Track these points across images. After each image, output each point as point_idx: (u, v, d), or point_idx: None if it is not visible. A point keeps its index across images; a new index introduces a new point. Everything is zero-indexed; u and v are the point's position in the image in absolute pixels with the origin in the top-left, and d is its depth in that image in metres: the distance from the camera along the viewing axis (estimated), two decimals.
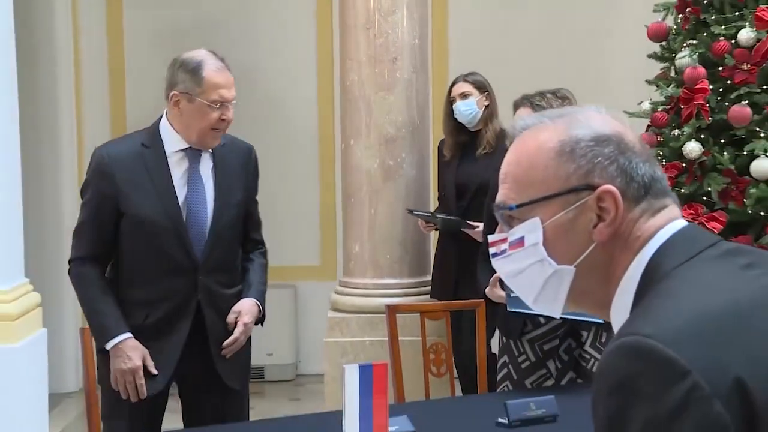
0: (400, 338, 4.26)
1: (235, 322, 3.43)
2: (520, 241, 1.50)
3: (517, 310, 3.63)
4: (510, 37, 7.20)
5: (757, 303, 1.35)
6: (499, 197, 1.55)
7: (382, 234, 5.68)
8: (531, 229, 1.49)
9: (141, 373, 3.25)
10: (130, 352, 3.25)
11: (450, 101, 5.24)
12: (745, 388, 1.25)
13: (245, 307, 3.47)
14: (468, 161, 5.28)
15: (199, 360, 3.38)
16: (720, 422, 1.23)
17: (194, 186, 3.36)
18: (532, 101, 4.04)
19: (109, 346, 3.26)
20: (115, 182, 3.28)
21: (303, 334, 7.26)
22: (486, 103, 5.18)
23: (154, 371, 3.28)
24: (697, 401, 1.24)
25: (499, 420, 3.26)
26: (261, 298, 3.55)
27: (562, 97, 4.21)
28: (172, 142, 3.34)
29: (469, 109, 5.15)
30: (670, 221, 1.47)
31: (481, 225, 5.07)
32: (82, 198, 3.42)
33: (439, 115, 7.10)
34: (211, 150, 3.41)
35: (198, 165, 3.38)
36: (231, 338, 3.42)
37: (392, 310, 4.30)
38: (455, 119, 5.24)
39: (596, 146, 1.48)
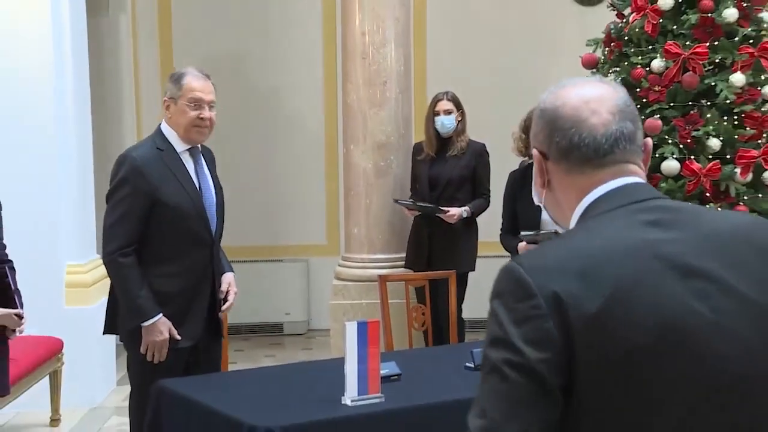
0: (389, 301, 4.27)
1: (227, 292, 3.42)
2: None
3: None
4: (475, 65, 7.19)
5: (618, 251, 1.29)
6: None
7: (375, 219, 5.69)
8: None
9: (167, 343, 3.23)
10: (162, 328, 3.21)
11: (434, 114, 5.20)
12: (565, 310, 1.24)
13: (232, 279, 3.45)
14: (440, 161, 5.22)
15: (209, 315, 3.36)
16: (550, 333, 1.24)
17: (203, 178, 3.33)
18: None
19: (147, 324, 3.21)
20: (149, 179, 3.21)
21: (313, 298, 7.26)
22: (459, 119, 5.18)
23: (178, 337, 3.24)
24: (535, 316, 1.25)
25: (467, 364, 3.27)
26: (232, 269, 3.50)
27: None
28: (178, 143, 3.29)
29: (450, 123, 5.14)
30: (614, 177, 1.39)
31: (452, 210, 5.06)
32: (111, 197, 3.26)
33: (420, 126, 7.12)
34: (200, 151, 3.38)
35: (200, 161, 3.35)
36: (229, 303, 3.41)
37: (383, 279, 4.31)
38: (435, 128, 5.21)
39: (539, 119, 1.46)
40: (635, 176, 1.40)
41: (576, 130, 1.41)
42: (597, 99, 1.44)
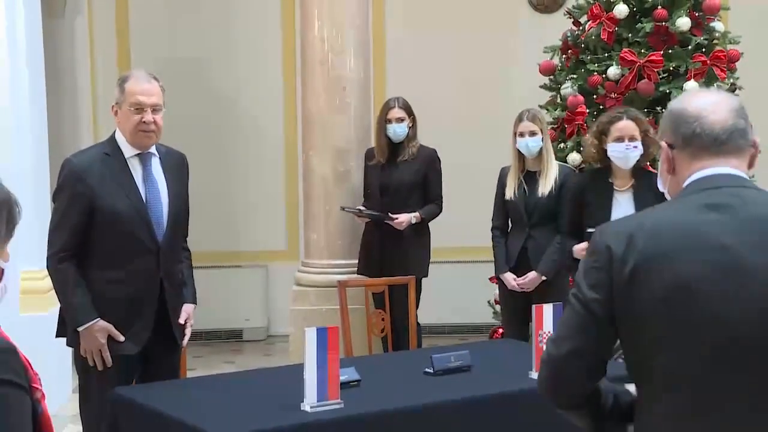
0: (348, 307, 4.26)
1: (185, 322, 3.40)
2: None
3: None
4: (434, 71, 7.21)
5: (663, 226, 1.67)
6: None
7: (334, 225, 5.67)
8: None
9: (106, 347, 3.19)
10: (98, 333, 3.17)
11: (386, 121, 5.07)
12: (612, 264, 1.67)
13: (191, 312, 3.41)
14: (390, 167, 5.12)
15: (161, 325, 3.33)
16: (601, 281, 1.68)
17: (151, 184, 3.27)
18: None
19: (81, 328, 3.17)
20: (88, 184, 3.16)
21: (273, 304, 7.22)
22: (410, 125, 5.10)
23: (121, 338, 3.19)
24: (594, 268, 1.70)
25: (426, 370, 3.27)
26: (196, 300, 3.48)
27: None
28: (127, 148, 3.25)
29: (402, 131, 5.04)
30: (713, 166, 1.71)
31: (400, 216, 4.95)
32: (54, 201, 3.26)
33: None
34: (157, 155, 3.31)
35: (150, 167, 3.29)
36: (186, 337, 3.40)
37: (342, 285, 4.30)
38: (386, 135, 5.09)
39: (667, 118, 1.80)
40: (730, 167, 1.72)
41: (698, 124, 1.73)
42: (716, 102, 1.76)
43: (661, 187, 1.84)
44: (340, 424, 2.77)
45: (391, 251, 5.06)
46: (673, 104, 1.80)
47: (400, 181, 5.06)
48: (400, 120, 5.04)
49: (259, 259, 7.25)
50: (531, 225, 4.45)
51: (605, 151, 3.98)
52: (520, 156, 4.46)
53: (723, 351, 1.60)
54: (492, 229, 4.64)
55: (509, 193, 4.50)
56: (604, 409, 1.78)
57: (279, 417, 2.76)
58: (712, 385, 1.61)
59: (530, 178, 4.47)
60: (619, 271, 1.66)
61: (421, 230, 5.12)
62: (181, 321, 3.37)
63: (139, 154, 3.26)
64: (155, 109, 3.21)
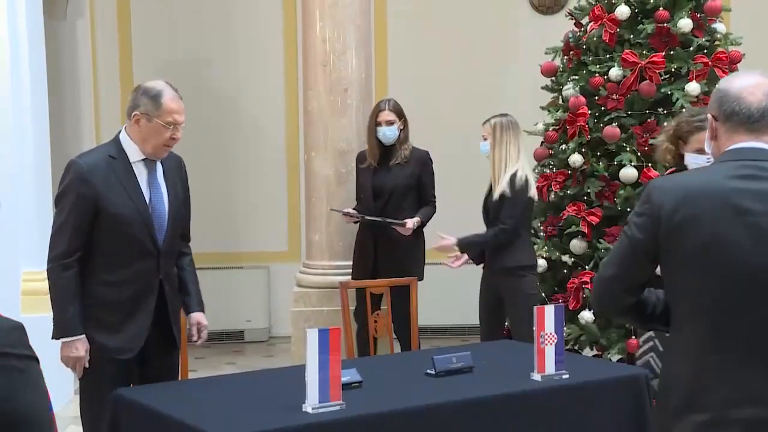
0: (350, 308, 4.26)
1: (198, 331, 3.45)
2: None
3: None
4: (436, 72, 7.22)
5: (705, 189, 2.08)
6: None
7: (336, 226, 5.67)
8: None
9: (83, 361, 3.20)
10: (78, 345, 3.19)
11: (376, 124, 5.03)
12: (660, 215, 2.09)
13: (201, 319, 3.46)
14: (383, 170, 5.07)
15: (160, 327, 3.33)
16: (647, 225, 2.12)
17: (155, 188, 3.29)
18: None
19: (65, 339, 3.19)
20: (93, 186, 3.17)
21: (274, 305, 7.22)
22: (401, 127, 5.05)
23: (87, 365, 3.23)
24: (644, 213, 2.13)
25: (428, 371, 3.27)
26: (203, 306, 3.51)
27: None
28: (134, 152, 3.25)
29: (392, 134, 5.01)
30: (749, 141, 2.09)
31: (408, 222, 4.91)
32: (57, 204, 3.25)
33: None
34: (158, 161, 3.33)
35: (155, 172, 3.30)
36: (201, 341, 3.44)
37: (344, 286, 4.30)
38: (377, 137, 5.05)
39: (715, 95, 2.16)
40: (762, 142, 2.10)
41: (737, 103, 2.10)
42: (755, 84, 2.11)
43: (706, 148, 2.26)
44: (341, 426, 2.77)
45: (385, 255, 5.02)
46: (721, 83, 2.19)
47: (393, 185, 5.01)
48: (390, 123, 5.00)
49: (261, 260, 7.25)
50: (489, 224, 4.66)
51: (682, 156, 3.80)
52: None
53: (742, 289, 2.03)
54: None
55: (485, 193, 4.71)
56: (648, 315, 2.24)
57: (280, 418, 2.76)
58: (731, 317, 2.04)
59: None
60: (667, 222, 2.08)
61: (416, 233, 5.07)
62: (194, 335, 3.43)
63: (144, 159, 3.27)
64: (183, 126, 3.27)
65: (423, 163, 5.08)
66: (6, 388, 1.41)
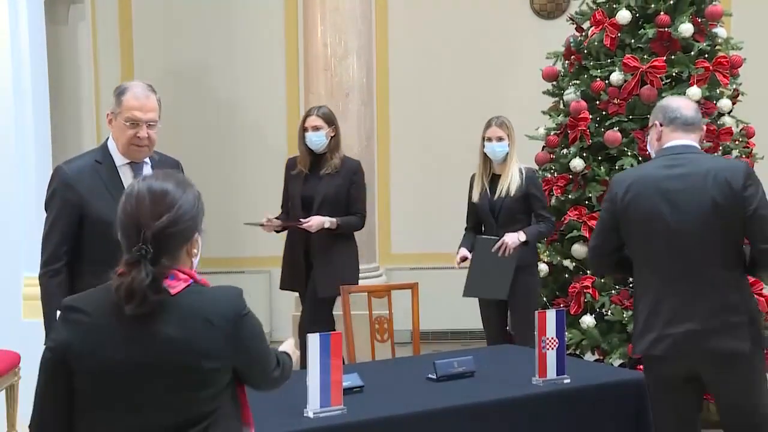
0: (351, 312, 4.26)
1: None
2: None
3: None
4: (437, 77, 7.22)
5: (642, 177, 3.10)
6: None
7: None
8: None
9: None
10: None
11: (304, 129, 4.76)
12: (617, 198, 3.10)
13: None
14: (313, 179, 4.77)
15: None
16: (612, 205, 3.10)
17: None
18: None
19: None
20: (78, 192, 3.15)
21: (275, 310, 7.21)
22: (332, 134, 4.75)
23: None
24: (609, 199, 3.15)
25: (429, 376, 3.28)
26: None
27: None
28: (119, 156, 3.23)
29: (319, 140, 4.71)
30: (679, 139, 3.08)
31: (312, 219, 4.63)
32: (46, 210, 3.22)
33: (383, 137, 7.13)
34: (149, 163, 3.29)
35: (141, 173, 3.23)
36: None
37: (345, 291, 4.29)
38: (306, 144, 4.77)
39: (658, 111, 3.16)
40: (689, 140, 3.09)
41: (678, 112, 3.10)
42: (687, 103, 3.19)
43: (650, 149, 3.20)
44: (342, 430, 2.77)
45: (318, 264, 4.75)
46: (662, 102, 3.23)
47: (323, 195, 4.71)
48: (316, 128, 4.71)
49: (262, 264, 7.24)
50: (499, 225, 4.62)
51: None
52: (487, 160, 4.67)
53: (668, 247, 2.98)
54: (464, 230, 4.84)
55: (475, 196, 4.69)
56: (630, 267, 3.14)
57: (282, 423, 2.76)
58: (664, 263, 2.99)
59: (495, 181, 4.67)
60: (620, 203, 3.06)
61: (346, 240, 4.78)
62: None
63: (129, 162, 3.24)
64: (150, 124, 3.19)
65: (353, 173, 4.79)
66: (241, 339, 1.95)
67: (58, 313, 2.03)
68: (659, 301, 2.98)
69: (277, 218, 4.85)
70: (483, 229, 4.75)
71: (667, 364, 3.01)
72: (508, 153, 4.62)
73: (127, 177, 3.23)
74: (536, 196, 4.64)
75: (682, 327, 2.93)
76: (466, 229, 4.84)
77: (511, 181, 4.59)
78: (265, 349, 2.07)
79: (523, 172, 4.64)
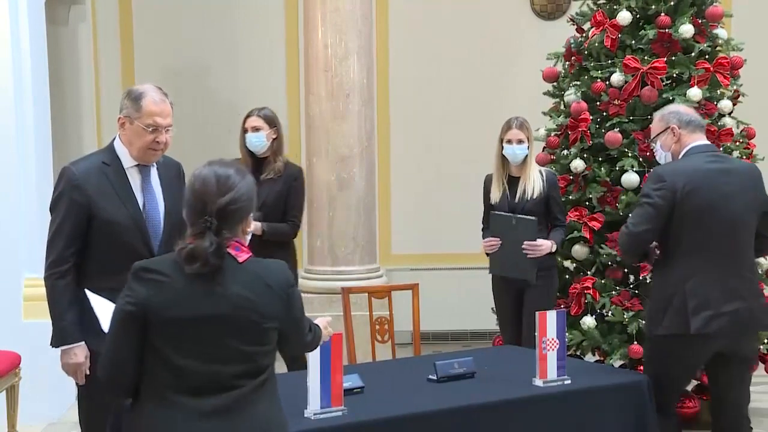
0: (352, 313, 4.26)
1: None
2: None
3: None
4: (437, 77, 7.22)
5: (696, 170, 3.45)
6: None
7: (338, 232, 5.68)
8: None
9: (83, 367, 3.18)
10: (78, 351, 3.16)
11: (244, 130, 4.60)
12: (675, 189, 3.41)
13: None
14: (255, 183, 4.60)
15: None
16: (667, 195, 3.42)
17: (149, 194, 3.24)
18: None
19: (63, 347, 3.17)
20: (86, 193, 3.14)
21: None
22: (274, 137, 4.56)
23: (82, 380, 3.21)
24: (663, 188, 3.44)
25: (429, 377, 3.28)
26: None
27: None
28: (126, 158, 3.22)
29: (259, 142, 4.53)
30: (701, 140, 3.55)
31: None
32: (52, 211, 3.21)
33: (384, 138, 7.13)
34: (155, 165, 3.29)
35: (149, 177, 3.26)
36: None
37: (346, 291, 4.30)
38: (246, 146, 4.60)
39: (673, 116, 3.60)
40: (707, 140, 3.60)
41: (690, 116, 3.58)
42: (690, 108, 3.76)
43: (665, 150, 3.59)
44: (343, 431, 2.77)
45: None
46: (668, 108, 3.72)
47: (263, 201, 4.40)
48: (256, 129, 4.55)
49: None
50: None
51: None
52: (504, 161, 4.56)
53: (721, 230, 3.40)
54: (482, 230, 4.72)
55: (494, 198, 4.58)
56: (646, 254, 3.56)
57: None
58: (717, 248, 3.39)
59: (513, 183, 4.55)
60: (681, 192, 3.38)
61: (279, 248, 4.46)
62: None
63: (138, 164, 3.25)
64: (167, 129, 3.21)
65: (293, 179, 4.60)
66: (290, 306, 2.31)
67: (129, 277, 2.28)
68: (713, 282, 3.37)
69: None
70: None
71: (716, 341, 3.41)
72: (527, 155, 4.51)
73: (135, 179, 3.23)
74: (557, 199, 4.57)
75: (734, 305, 3.39)
76: (483, 229, 4.71)
77: (534, 185, 4.49)
78: (304, 317, 2.41)
79: (544, 174, 4.54)
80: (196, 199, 2.25)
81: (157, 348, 2.19)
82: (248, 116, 4.64)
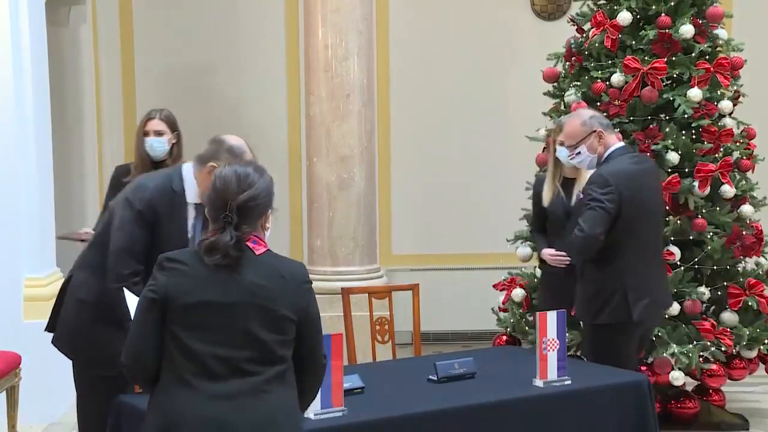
0: (352, 313, 4.26)
1: None
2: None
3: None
4: (438, 78, 7.22)
5: (627, 172, 3.74)
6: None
7: (338, 232, 5.68)
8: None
9: None
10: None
11: (143, 134, 4.24)
12: (622, 195, 3.68)
13: None
14: None
15: None
16: (614, 198, 3.68)
17: (197, 231, 3.31)
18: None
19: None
20: (156, 212, 3.21)
21: None
22: (174, 141, 4.28)
23: None
24: (609, 192, 3.66)
25: (430, 377, 3.27)
26: None
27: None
28: (192, 194, 3.30)
29: (161, 147, 4.22)
30: (617, 142, 3.83)
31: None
32: (122, 220, 3.22)
33: (384, 139, 7.13)
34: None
35: (201, 216, 3.31)
36: None
37: (346, 292, 4.29)
38: (145, 150, 4.24)
39: (594, 120, 3.82)
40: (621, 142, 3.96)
41: (606, 120, 3.91)
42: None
43: (591, 153, 3.80)
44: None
45: None
46: (584, 112, 3.94)
47: None
48: (159, 133, 4.24)
49: None
50: (569, 231, 4.13)
51: None
52: (557, 163, 4.36)
53: (651, 229, 3.84)
54: (530, 232, 4.64)
55: (546, 200, 4.39)
56: None
57: None
58: (648, 244, 3.80)
59: (567, 185, 4.35)
60: (624, 195, 3.66)
61: None
62: None
63: (198, 204, 3.29)
64: None
65: None
66: (306, 302, 2.38)
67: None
68: (646, 273, 3.76)
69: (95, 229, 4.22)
70: (547, 232, 4.47)
71: (645, 325, 3.87)
72: None
73: (191, 215, 3.29)
74: None
75: (660, 292, 3.88)
76: (531, 231, 4.64)
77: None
78: (321, 331, 2.43)
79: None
80: (218, 197, 2.37)
81: (175, 333, 2.28)
82: (149, 118, 4.29)
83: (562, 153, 4.21)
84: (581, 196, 4.16)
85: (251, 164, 2.52)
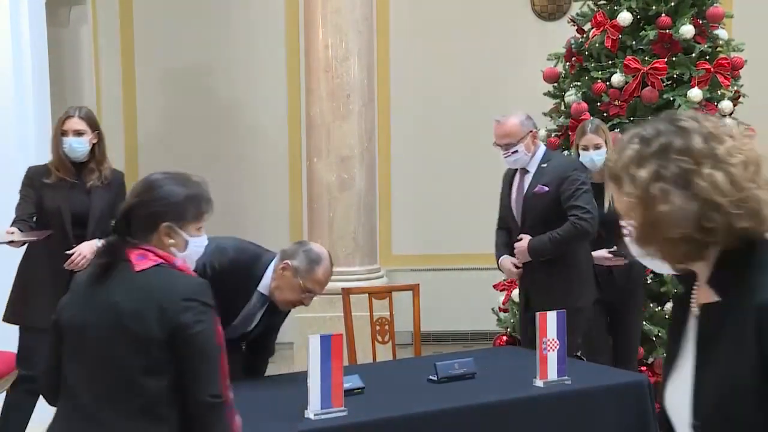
0: (352, 314, 4.26)
1: None
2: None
3: None
4: (438, 78, 7.22)
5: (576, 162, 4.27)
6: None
7: (339, 232, 5.67)
8: None
9: None
10: None
11: (62, 133, 4.01)
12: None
13: None
14: (80, 192, 4.04)
15: None
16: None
17: (245, 320, 3.44)
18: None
19: None
20: (225, 287, 2.99)
21: None
22: (95, 141, 4.04)
23: None
24: (588, 179, 4.08)
25: (430, 377, 3.27)
26: None
27: None
28: (265, 288, 3.38)
29: (81, 147, 4.00)
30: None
31: (81, 250, 3.93)
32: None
33: (385, 139, 7.13)
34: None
35: (262, 309, 3.44)
36: None
37: (346, 292, 4.29)
38: (63, 150, 4.02)
39: (525, 121, 4.09)
40: None
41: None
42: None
43: (528, 150, 4.06)
44: None
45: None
46: (522, 115, 4.07)
47: (100, 210, 4.02)
48: (79, 133, 4.00)
49: None
50: (608, 240, 4.07)
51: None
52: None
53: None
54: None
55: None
56: None
57: (282, 424, 2.76)
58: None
59: (597, 191, 4.00)
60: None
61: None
62: None
63: (265, 295, 3.44)
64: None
65: (119, 185, 4.12)
66: (186, 321, 2.03)
67: None
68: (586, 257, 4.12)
69: (34, 232, 4.04)
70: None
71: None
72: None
73: (252, 303, 3.40)
74: None
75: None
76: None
77: None
78: (212, 362, 2.08)
79: None
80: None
81: (64, 354, 2.17)
82: (67, 117, 4.04)
83: (584, 158, 4.15)
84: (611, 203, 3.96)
85: (181, 176, 2.27)
